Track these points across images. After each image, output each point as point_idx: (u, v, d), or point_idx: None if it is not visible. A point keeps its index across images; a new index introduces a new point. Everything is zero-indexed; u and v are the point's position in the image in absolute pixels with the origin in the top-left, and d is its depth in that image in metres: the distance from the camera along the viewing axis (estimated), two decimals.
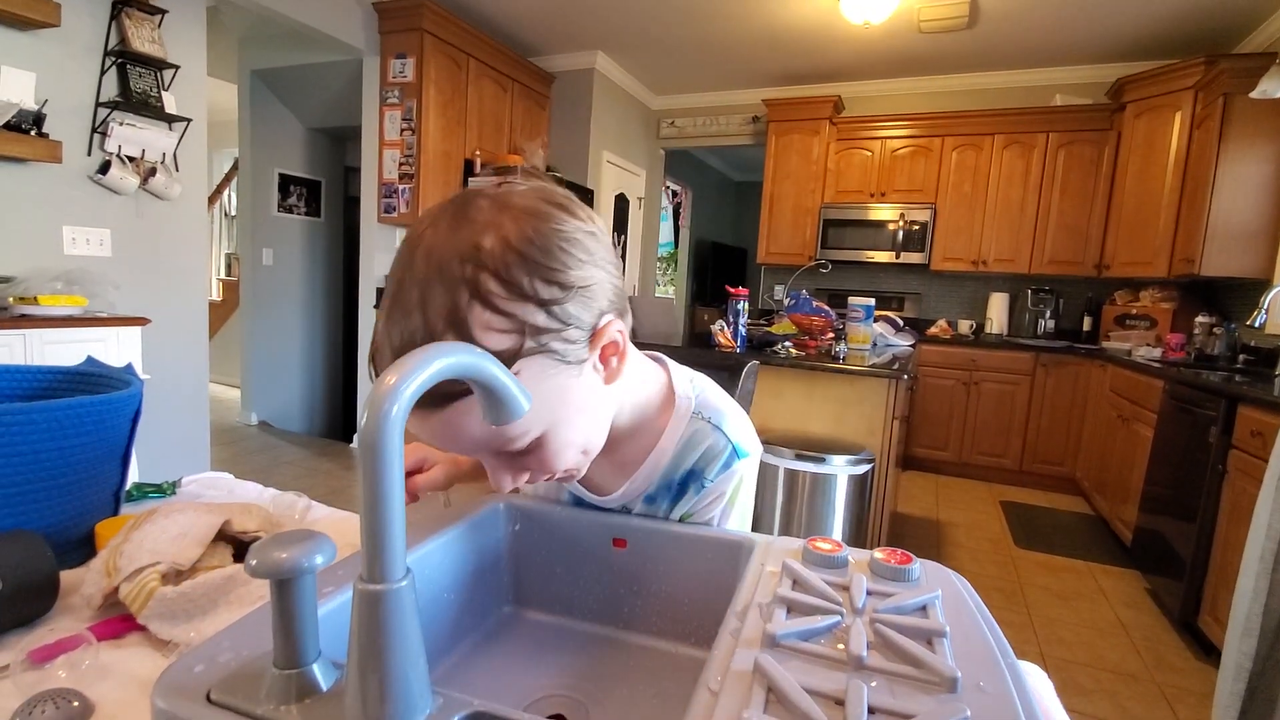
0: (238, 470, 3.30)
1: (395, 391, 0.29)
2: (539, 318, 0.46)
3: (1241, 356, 3.12)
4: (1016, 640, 2.12)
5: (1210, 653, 2.06)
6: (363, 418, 0.29)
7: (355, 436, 4.03)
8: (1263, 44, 3.39)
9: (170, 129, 2.77)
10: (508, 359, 0.45)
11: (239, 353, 4.54)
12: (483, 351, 0.36)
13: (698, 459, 0.63)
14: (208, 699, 0.32)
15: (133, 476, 2.46)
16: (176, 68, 2.73)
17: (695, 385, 0.66)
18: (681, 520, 0.63)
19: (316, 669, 0.33)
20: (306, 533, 0.32)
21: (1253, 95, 2.82)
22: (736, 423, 0.65)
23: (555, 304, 0.47)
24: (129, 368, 0.82)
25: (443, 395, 0.44)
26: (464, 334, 0.44)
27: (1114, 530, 3.06)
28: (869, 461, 2.15)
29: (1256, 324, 2.56)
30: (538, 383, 0.47)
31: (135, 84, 2.64)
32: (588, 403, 0.52)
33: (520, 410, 0.38)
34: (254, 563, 0.30)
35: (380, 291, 3.82)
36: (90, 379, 0.82)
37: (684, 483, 0.63)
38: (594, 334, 0.50)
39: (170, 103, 2.74)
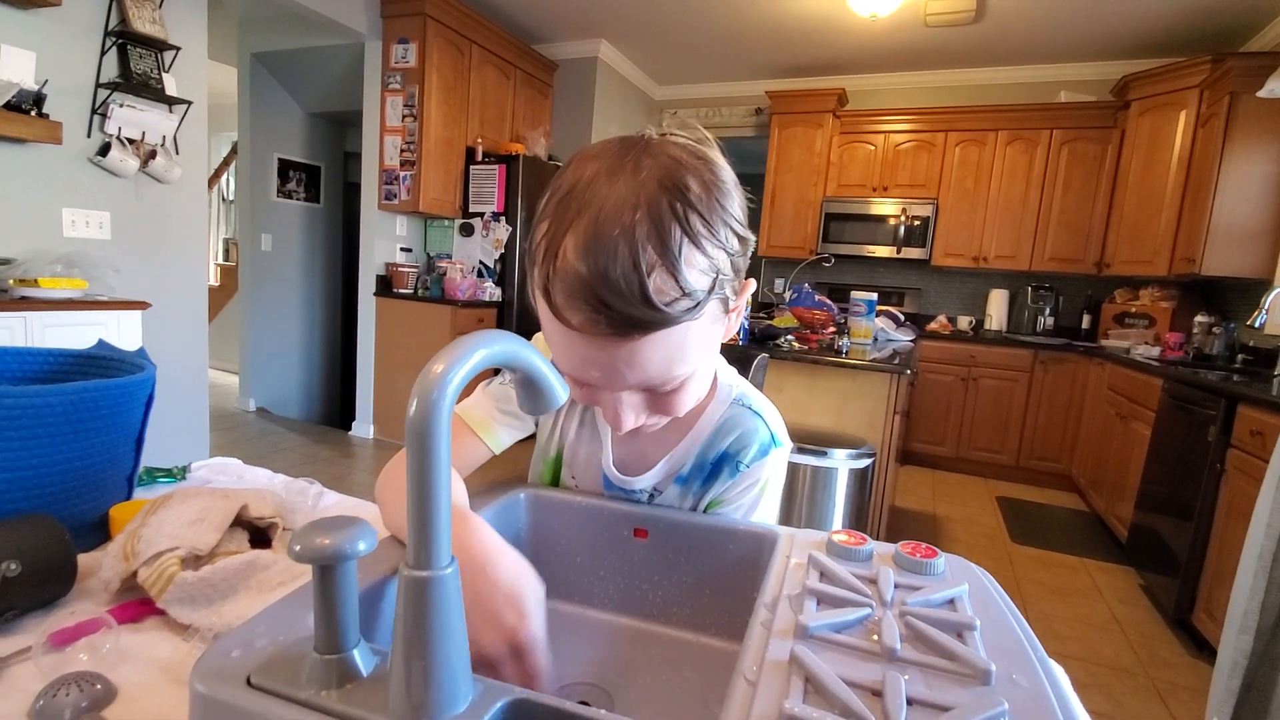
0: (236, 456, 3.30)
1: (444, 379, 0.29)
2: (726, 264, 0.48)
3: (1240, 356, 3.14)
4: None
5: (1204, 649, 2.08)
6: (412, 405, 0.29)
7: (351, 425, 4.03)
8: (1270, 43, 3.39)
9: (171, 111, 2.74)
10: (699, 300, 0.46)
11: (237, 338, 4.52)
12: (523, 340, 0.35)
13: (733, 441, 0.64)
14: (248, 683, 0.32)
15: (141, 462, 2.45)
16: (177, 49, 2.70)
17: (735, 380, 0.69)
18: (710, 507, 0.64)
19: (357, 654, 0.33)
20: (347, 519, 0.32)
21: (1260, 94, 2.81)
22: (773, 414, 0.67)
23: (737, 254, 0.49)
24: (141, 351, 0.82)
25: (638, 323, 0.45)
26: (673, 269, 0.44)
27: (1110, 527, 3.08)
28: (870, 455, 2.16)
29: (1257, 324, 2.57)
30: (707, 325, 0.50)
31: (136, 65, 2.61)
32: (715, 353, 0.56)
33: (558, 400, 0.38)
34: (297, 548, 0.30)
35: (381, 279, 3.81)
36: (102, 362, 0.81)
37: (718, 464, 0.64)
38: (741, 288, 0.53)
39: (171, 85, 2.72)
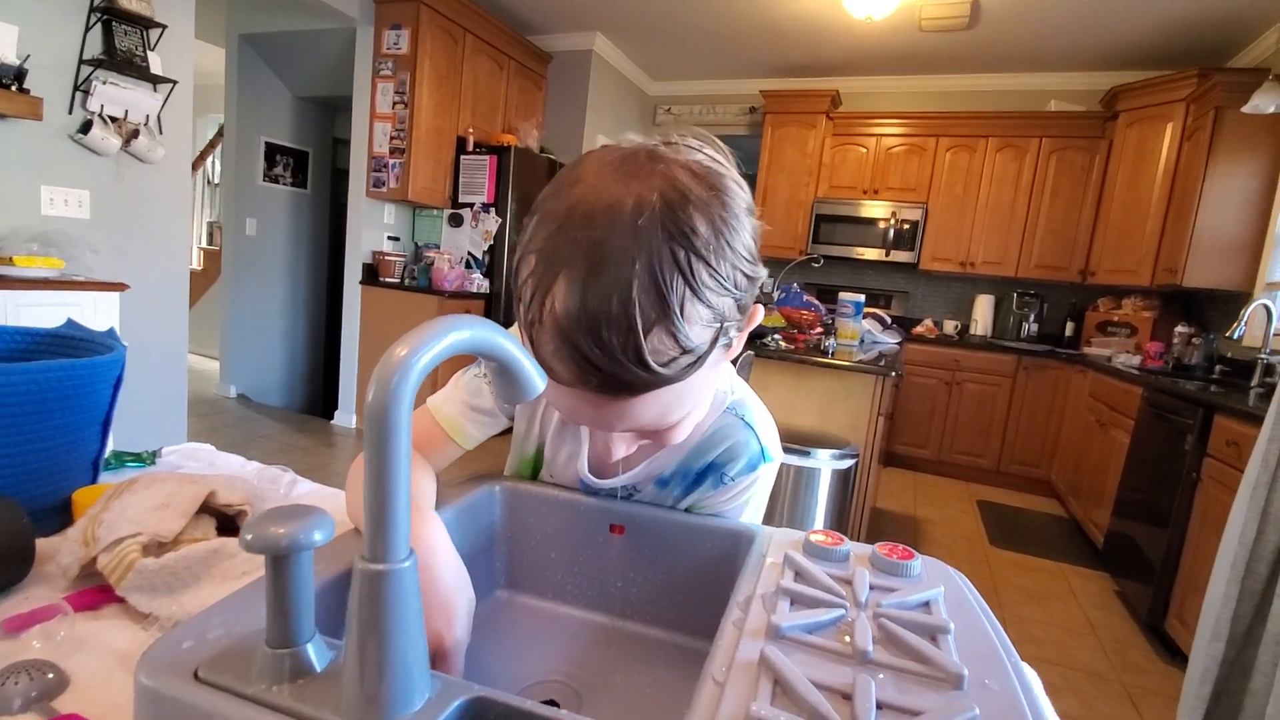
0: (214, 443, 3.25)
1: (406, 364, 0.28)
2: (732, 309, 0.44)
3: (1218, 367, 3.18)
4: None
5: (1176, 655, 2.11)
6: (371, 391, 0.28)
7: (334, 414, 3.99)
8: (1255, 59, 3.43)
9: (155, 90, 2.69)
10: (700, 355, 0.42)
11: (219, 323, 4.46)
12: (498, 326, 0.34)
13: (721, 452, 0.61)
14: (195, 677, 0.31)
15: (109, 445, 2.39)
16: (163, 27, 2.65)
17: (734, 384, 0.66)
18: (688, 511, 0.62)
19: (311, 649, 0.31)
20: (305, 508, 0.31)
21: (1244, 110, 2.85)
22: (767, 427, 0.65)
23: (746, 295, 0.45)
24: (111, 332, 0.80)
25: (632, 386, 0.41)
26: (673, 328, 0.40)
27: (1086, 533, 3.11)
28: (853, 456, 2.16)
29: (1235, 336, 2.60)
30: (710, 368, 0.45)
31: (120, 42, 2.56)
32: (716, 383, 0.53)
33: (535, 389, 0.37)
34: (249, 537, 0.29)
35: (367, 267, 3.77)
36: (71, 342, 0.79)
37: (703, 473, 0.62)
38: (749, 319, 0.49)
39: (156, 63, 2.67)
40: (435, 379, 1.29)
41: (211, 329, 4.93)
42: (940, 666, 0.35)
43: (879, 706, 0.32)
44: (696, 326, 0.41)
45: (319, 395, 4.85)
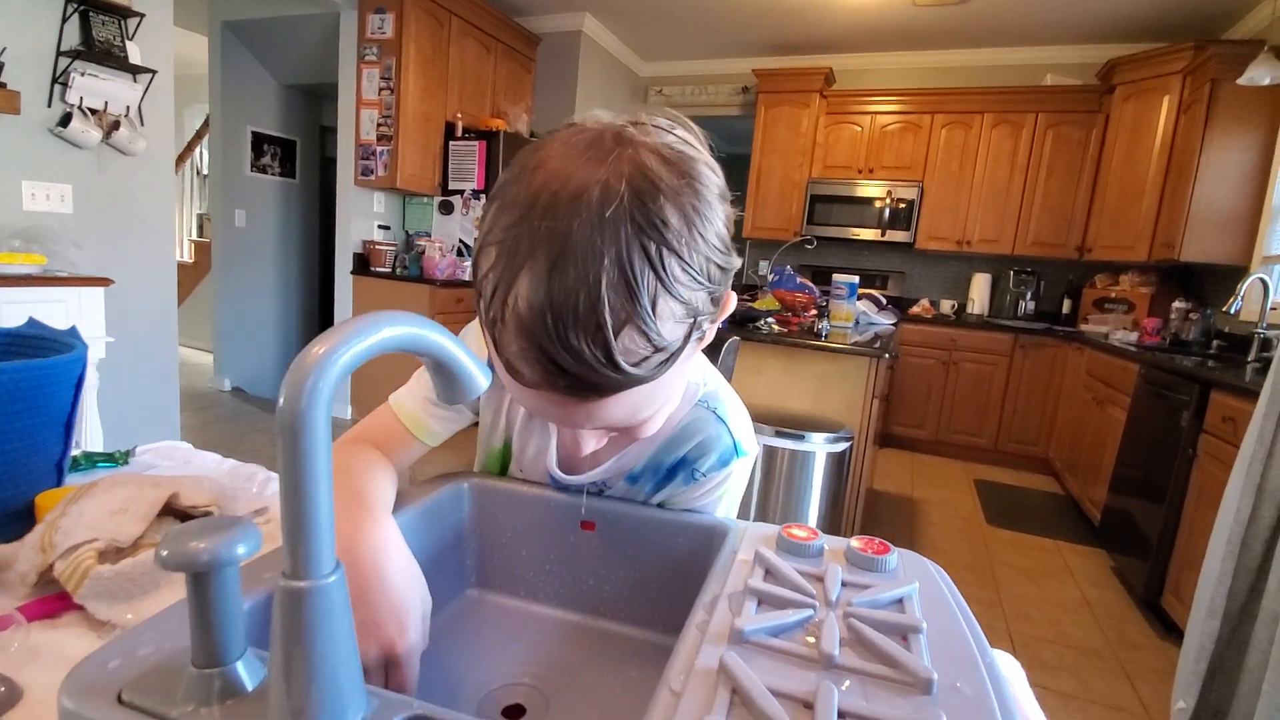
0: (208, 437, 3.23)
1: (323, 364, 0.26)
2: (705, 301, 0.42)
3: (1215, 342, 3.17)
4: (985, 617, 2.16)
5: (1172, 631, 2.11)
6: (282, 394, 0.26)
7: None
8: (1251, 31, 3.37)
9: (135, 81, 2.64)
10: (673, 352, 0.41)
11: (211, 317, 4.43)
12: (435, 324, 0.32)
13: (693, 447, 0.59)
14: (119, 699, 0.29)
15: (98, 444, 2.36)
16: (141, 16, 2.60)
17: (706, 375, 0.63)
18: (660, 506, 0.60)
19: (240, 667, 0.30)
20: (229, 520, 0.29)
21: (1240, 82, 2.81)
22: (740, 420, 0.62)
23: (719, 287, 0.43)
24: (73, 330, 0.78)
25: (601, 387, 0.39)
26: (644, 326, 0.38)
27: (1083, 510, 3.11)
28: (847, 440, 2.15)
29: (1232, 310, 2.58)
30: (683, 362, 0.43)
31: (98, 32, 2.51)
32: (688, 376, 0.51)
33: (477, 388, 0.35)
34: (165, 553, 0.27)
35: (358, 257, 3.73)
36: (31, 341, 0.77)
37: (674, 469, 0.60)
38: (721, 308, 0.46)
39: (135, 53, 2.62)
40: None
41: (204, 322, 4.90)
42: (909, 670, 0.34)
43: (841, 715, 0.31)
44: (669, 323, 0.39)
45: None
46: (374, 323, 0.29)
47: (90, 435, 2.23)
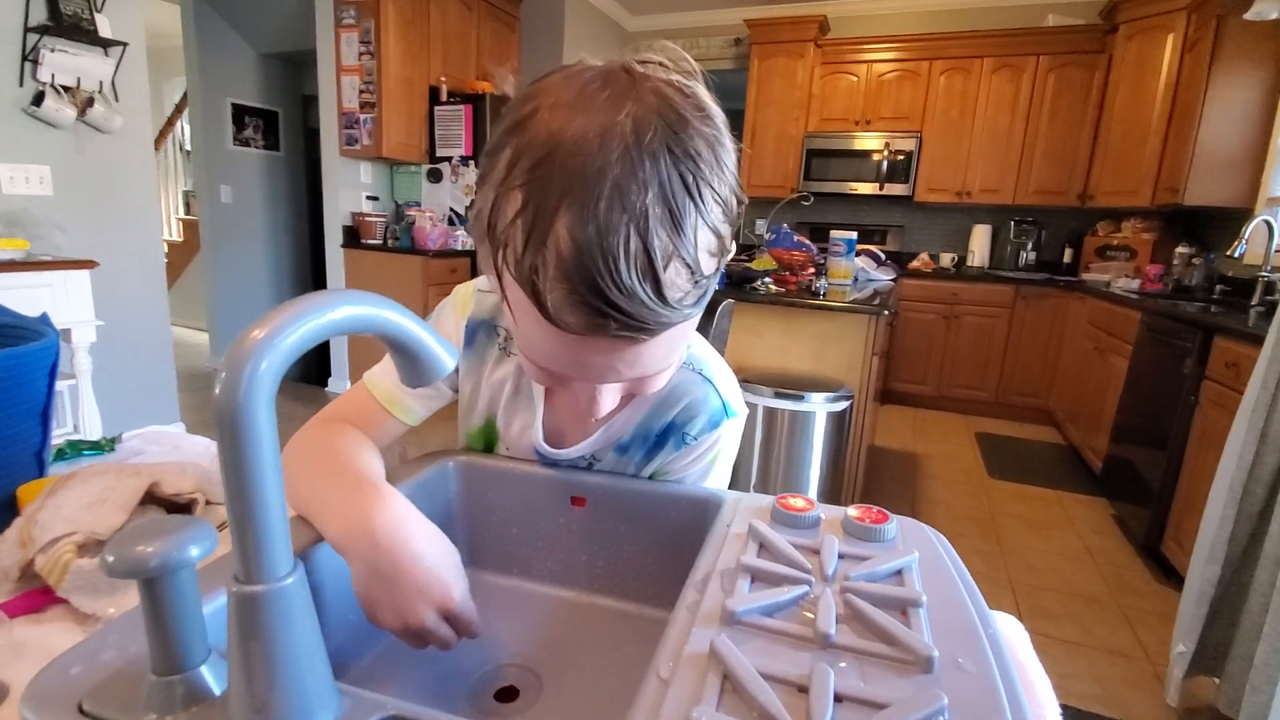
0: (207, 417, 3.22)
1: (261, 349, 0.24)
2: (729, 238, 0.42)
3: (1218, 287, 3.13)
4: (988, 569, 2.18)
5: (1172, 577, 2.13)
6: (218, 383, 0.23)
7: (328, 381, 3.96)
8: None
9: (106, 54, 2.56)
10: (707, 288, 0.41)
11: (203, 295, 4.39)
12: (394, 304, 0.30)
13: (681, 410, 0.58)
14: (80, 709, 0.28)
15: (96, 429, 2.34)
16: None
17: (690, 336, 0.61)
18: (652, 478, 0.59)
19: (205, 671, 0.28)
20: (180, 519, 0.27)
21: (1247, 16, 2.71)
22: (727, 380, 0.61)
23: (737, 222, 0.42)
24: (44, 317, 0.75)
25: (651, 325, 0.38)
26: (687, 259, 0.37)
27: (1084, 459, 3.12)
28: (847, 398, 2.14)
29: (1236, 254, 2.54)
30: (701, 305, 0.42)
31: (64, 6, 2.41)
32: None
33: (443, 368, 0.33)
34: (111, 559, 0.25)
35: (348, 230, 3.67)
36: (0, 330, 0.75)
37: (663, 435, 0.58)
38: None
39: (104, 26, 2.52)
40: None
41: (198, 301, 4.86)
42: (908, 648, 0.32)
43: (838, 699, 0.29)
44: (704, 255, 0.39)
45: (312, 363, 4.80)
46: (322, 303, 0.26)
47: (88, 420, 2.22)
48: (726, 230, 0.41)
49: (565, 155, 0.36)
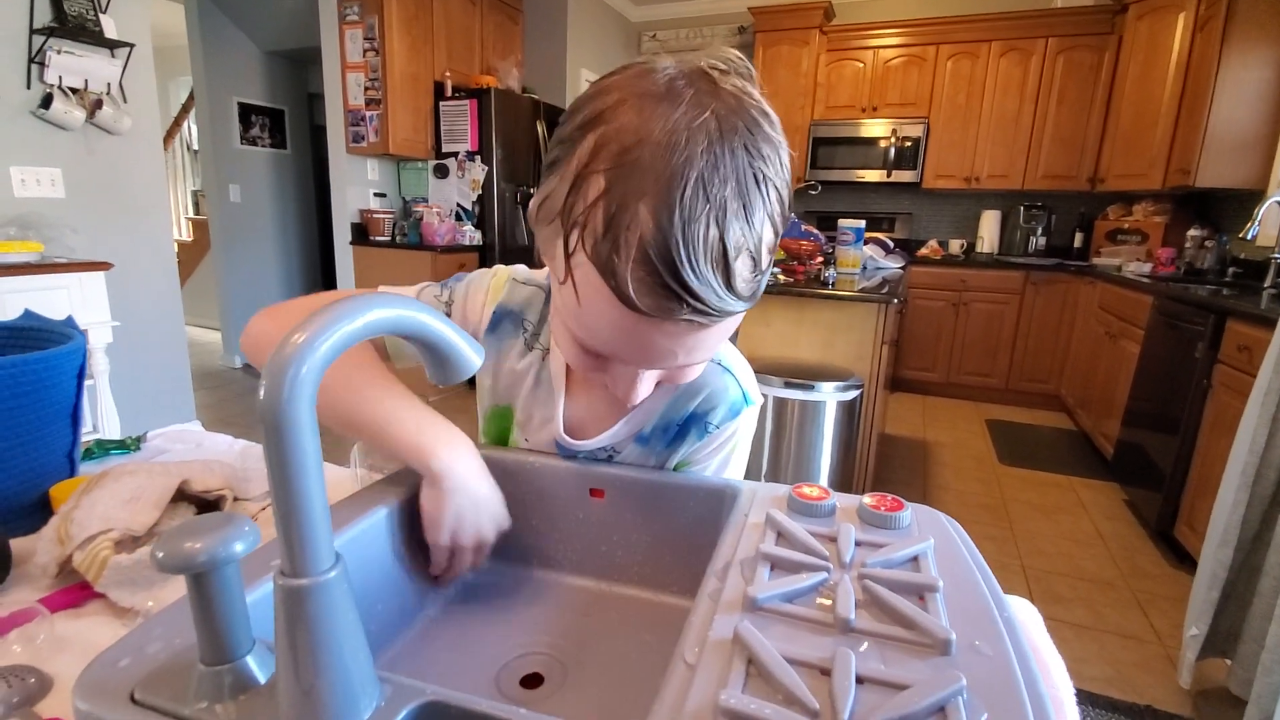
0: (223, 415, 3.27)
1: (303, 354, 0.25)
2: (781, 234, 0.45)
3: (1231, 270, 3.10)
4: (1000, 555, 2.18)
5: (1184, 561, 2.13)
6: (262, 387, 0.25)
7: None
8: None
9: (113, 55, 2.57)
10: (764, 279, 0.44)
11: (215, 294, 4.42)
12: (424, 305, 0.31)
13: (702, 400, 0.60)
14: (132, 699, 0.29)
15: (114, 428, 2.37)
16: None
17: None
18: (676, 469, 0.60)
19: (251, 661, 0.30)
20: (224, 516, 0.28)
21: None
22: (744, 369, 0.63)
23: (785, 224, 0.46)
24: (70, 320, 0.77)
25: (720, 311, 0.41)
26: (756, 251, 0.41)
27: (1096, 445, 3.11)
28: (858, 387, 2.14)
29: (1249, 236, 2.52)
30: (756, 299, 0.45)
31: (70, 7, 2.43)
32: None
33: (471, 365, 0.34)
34: (161, 555, 0.27)
35: (356, 227, 3.69)
36: (29, 334, 0.76)
37: (685, 425, 0.60)
38: None
39: (110, 26, 2.54)
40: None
41: (210, 300, 4.90)
42: (927, 632, 0.33)
43: (859, 681, 0.30)
44: (765, 250, 0.42)
45: None
46: (358, 306, 0.27)
47: (106, 420, 2.26)
48: (780, 227, 0.43)
49: (654, 145, 0.38)
